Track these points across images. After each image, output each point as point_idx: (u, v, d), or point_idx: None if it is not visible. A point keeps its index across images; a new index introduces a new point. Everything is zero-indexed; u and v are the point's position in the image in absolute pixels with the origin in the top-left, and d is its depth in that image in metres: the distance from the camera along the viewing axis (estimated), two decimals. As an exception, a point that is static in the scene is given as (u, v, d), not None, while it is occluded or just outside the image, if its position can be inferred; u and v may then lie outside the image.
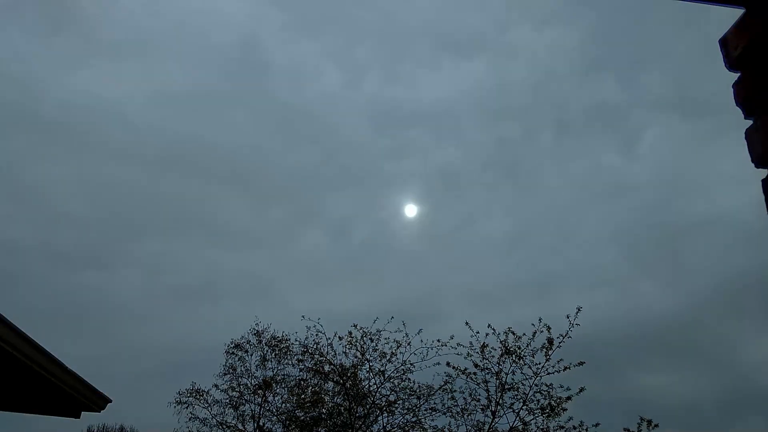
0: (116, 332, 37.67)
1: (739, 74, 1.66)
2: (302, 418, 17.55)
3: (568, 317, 15.62)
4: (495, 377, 16.06)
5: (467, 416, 16.23)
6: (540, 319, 15.91)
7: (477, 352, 16.12)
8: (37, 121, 42.57)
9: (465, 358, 16.16)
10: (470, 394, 16.19)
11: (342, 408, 17.17)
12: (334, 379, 17.34)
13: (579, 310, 15.60)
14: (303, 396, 17.67)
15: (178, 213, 47.98)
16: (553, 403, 15.59)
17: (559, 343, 15.67)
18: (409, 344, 16.74)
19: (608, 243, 43.75)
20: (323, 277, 40.44)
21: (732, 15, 1.66)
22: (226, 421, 18.52)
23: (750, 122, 1.62)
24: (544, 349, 15.76)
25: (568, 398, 15.53)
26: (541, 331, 15.80)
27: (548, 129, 47.20)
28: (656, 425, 15.26)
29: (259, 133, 48.67)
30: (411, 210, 44.42)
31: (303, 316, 17.19)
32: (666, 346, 31.56)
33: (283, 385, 18.42)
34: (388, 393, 17.11)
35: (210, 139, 47.06)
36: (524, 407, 15.82)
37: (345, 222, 47.96)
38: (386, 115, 48.20)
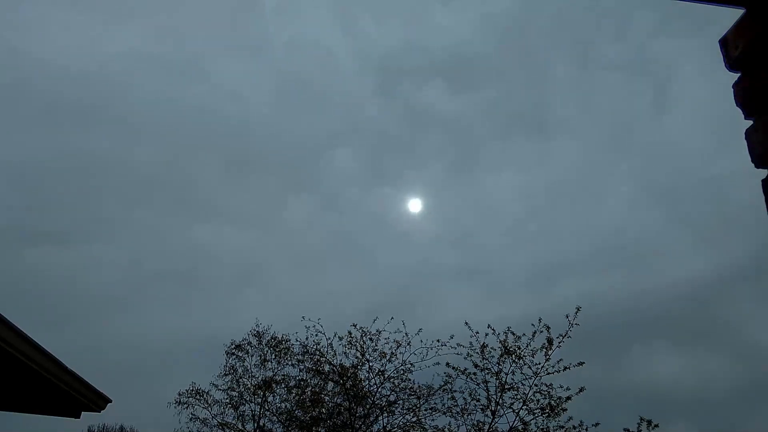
0: (79, 320, 34.76)
1: (739, 74, 1.65)
2: (302, 418, 17.55)
3: (567, 317, 15.63)
4: (495, 377, 16.07)
5: (467, 416, 16.25)
6: (540, 319, 15.93)
7: (477, 352, 16.14)
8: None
9: (465, 358, 16.17)
10: (470, 394, 16.20)
11: (342, 408, 17.17)
12: (334, 380, 17.33)
13: (578, 310, 15.61)
14: (303, 396, 17.67)
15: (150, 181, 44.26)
16: (553, 403, 15.58)
17: (559, 342, 15.68)
18: (408, 344, 16.76)
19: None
20: (313, 257, 39.37)
21: (732, 15, 1.65)
22: (226, 422, 18.54)
23: (750, 123, 1.62)
24: (544, 349, 15.76)
25: (568, 398, 15.53)
26: (541, 331, 15.81)
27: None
28: (656, 425, 15.25)
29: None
30: (415, 205, 43.23)
31: (303, 317, 17.21)
32: (681, 327, 30.42)
33: (283, 386, 18.43)
34: (388, 393, 17.14)
35: (192, 103, 44.15)
36: (524, 407, 15.83)
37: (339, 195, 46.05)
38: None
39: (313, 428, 17.21)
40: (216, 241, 41.16)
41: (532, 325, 15.91)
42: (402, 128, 45.91)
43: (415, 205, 43.28)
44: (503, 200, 45.52)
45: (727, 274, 34.55)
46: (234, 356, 19.25)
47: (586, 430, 15.44)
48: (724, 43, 1.68)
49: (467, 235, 43.53)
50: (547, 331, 15.74)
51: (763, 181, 1.53)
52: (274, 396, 18.54)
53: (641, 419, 15.39)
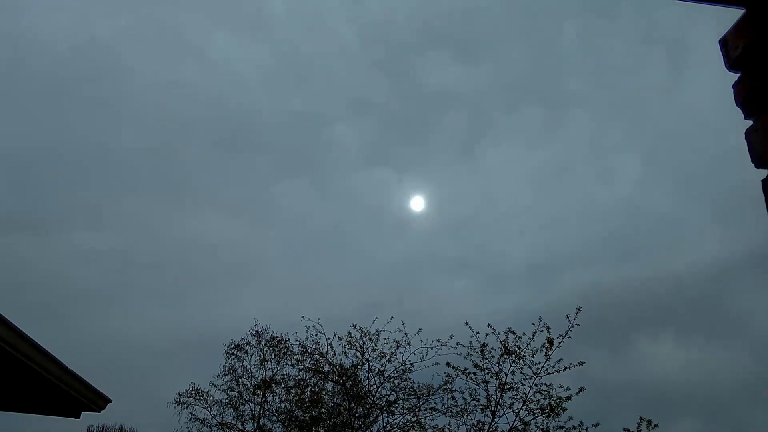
0: (64, 315, 32.74)
1: (739, 74, 1.65)
2: (302, 417, 17.55)
3: (567, 317, 15.62)
4: (495, 377, 16.07)
5: (467, 416, 16.25)
6: (540, 318, 15.93)
7: (477, 352, 16.14)
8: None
9: (465, 357, 16.17)
10: (470, 394, 16.20)
11: (342, 408, 17.17)
12: (334, 379, 17.33)
13: (579, 310, 15.61)
14: (302, 396, 17.67)
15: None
16: (553, 403, 15.58)
17: (559, 343, 15.67)
18: (408, 344, 16.76)
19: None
20: (310, 248, 38.21)
21: (732, 15, 1.65)
22: (226, 422, 18.53)
23: (750, 123, 1.62)
24: (544, 349, 15.76)
25: (568, 398, 15.52)
26: (541, 331, 15.81)
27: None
28: (656, 425, 15.26)
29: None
30: (418, 203, 41.89)
31: (303, 317, 17.21)
32: (688, 318, 29.65)
33: (283, 386, 18.43)
34: (388, 393, 17.14)
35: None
36: (524, 407, 15.84)
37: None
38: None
39: (313, 428, 17.21)
40: (208, 230, 39.28)
41: (533, 324, 15.93)
42: (406, 105, 43.83)
43: (416, 189, 42.11)
44: (508, 182, 43.79)
45: (740, 260, 32.75)
46: (233, 356, 19.25)
47: (586, 430, 15.44)
48: (724, 43, 1.68)
49: (470, 219, 42.38)
50: (548, 331, 15.75)
51: (763, 181, 1.53)
52: (273, 396, 18.55)
53: (641, 419, 15.40)
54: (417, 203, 40.92)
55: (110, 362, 26.21)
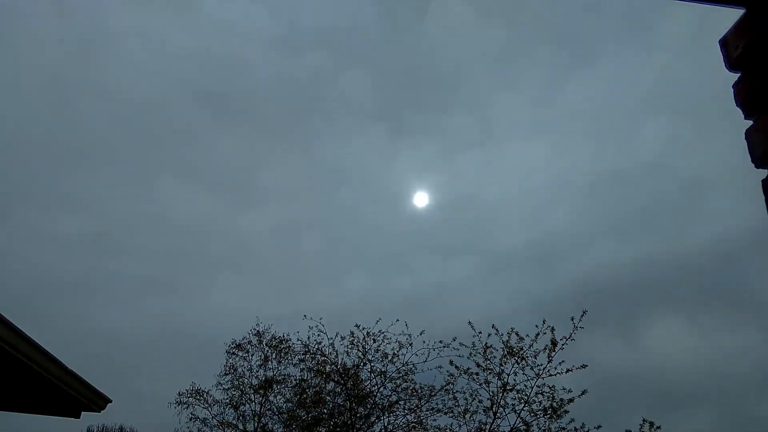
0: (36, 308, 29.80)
1: (739, 74, 1.64)
2: (303, 417, 17.55)
3: (572, 319, 15.58)
4: (497, 378, 16.05)
5: (469, 417, 16.22)
6: (544, 321, 15.90)
7: (479, 353, 16.12)
8: None
9: (467, 358, 16.15)
10: (471, 395, 16.18)
11: (343, 408, 17.16)
12: (335, 379, 17.33)
13: (584, 313, 15.56)
14: (304, 396, 17.67)
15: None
16: (555, 404, 15.54)
17: (563, 344, 15.63)
18: (410, 345, 16.76)
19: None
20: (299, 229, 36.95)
21: (732, 15, 1.64)
22: (227, 421, 18.54)
23: (750, 123, 1.61)
24: (547, 350, 15.72)
25: (570, 400, 15.49)
26: (545, 333, 15.77)
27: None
28: (658, 427, 15.22)
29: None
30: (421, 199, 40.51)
31: (305, 316, 17.22)
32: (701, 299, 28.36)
33: (284, 385, 18.44)
34: (390, 393, 17.13)
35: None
36: (525, 408, 15.80)
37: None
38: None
39: (315, 428, 17.21)
40: (189, 209, 36.83)
41: (536, 326, 15.90)
42: (413, 63, 39.87)
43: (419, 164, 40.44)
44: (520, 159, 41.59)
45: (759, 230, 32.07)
46: (235, 356, 19.27)
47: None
48: (724, 43, 1.67)
49: (472, 198, 41.03)
50: (552, 332, 15.69)
51: (763, 181, 1.52)
52: (275, 396, 18.56)
53: (644, 420, 15.38)
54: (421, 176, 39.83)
55: (94, 358, 25.33)
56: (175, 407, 18.52)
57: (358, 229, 40.19)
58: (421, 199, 39.07)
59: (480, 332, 16.11)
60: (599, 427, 15.45)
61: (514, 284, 35.19)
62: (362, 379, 17.26)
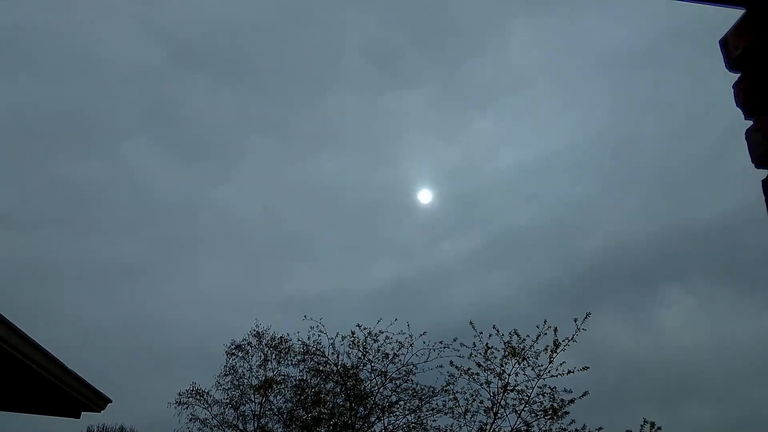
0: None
1: (739, 74, 1.64)
2: (303, 417, 17.54)
3: (575, 320, 15.57)
4: (498, 378, 16.03)
5: (470, 417, 16.21)
6: (545, 321, 15.88)
7: (480, 353, 16.10)
8: None
9: (468, 358, 16.14)
10: (472, 395, 16.17)
11: (343, 408, 17.15)
12: (335, 380, 17.32)
13: (588, 315, 15.53)
14: (304, 396, 17.66)
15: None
16: (555, 405, 15.52)
17: (564, 345, 15.61)
18: (411, 345, 16.75)
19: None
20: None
21: (732, 15, 1.64)
22: (226, 421, 18.53)
23: (750, 123, 1.61)
24: (548, 351, 15.70)
25: (571, 401, 15.46)
26: (545, 333, 15.75)
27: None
28: (659, 428, 15.20)
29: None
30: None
31: (305, 316, 17.21)
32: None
33: (284, 386, 18.43)
34: (390, 394, 17.12)
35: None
36: (526, 408, 15.78)
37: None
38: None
39: (314, 428, 17.20)
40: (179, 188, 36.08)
41: (537, 327, 15.88)
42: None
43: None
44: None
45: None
46: (234, 356, 19.27)
47: (588, 433, 15.39)
48: (724, 43, 1.67)
49: (474, 170, 40.96)
50: (555, 333, 15.66)
51: (763, 181, 1.52)
52: (275, 396, 18.55)
53: (644, 421, 15.35)
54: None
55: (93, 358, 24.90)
56: (175, 407, 18.53)
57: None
58: (425, 196, 39.37)
59: (481, 332, 16.12)
60: (600, 428, 15.45)
61: (522, 265, 35.16)
62: (362, 379, 17.27)
